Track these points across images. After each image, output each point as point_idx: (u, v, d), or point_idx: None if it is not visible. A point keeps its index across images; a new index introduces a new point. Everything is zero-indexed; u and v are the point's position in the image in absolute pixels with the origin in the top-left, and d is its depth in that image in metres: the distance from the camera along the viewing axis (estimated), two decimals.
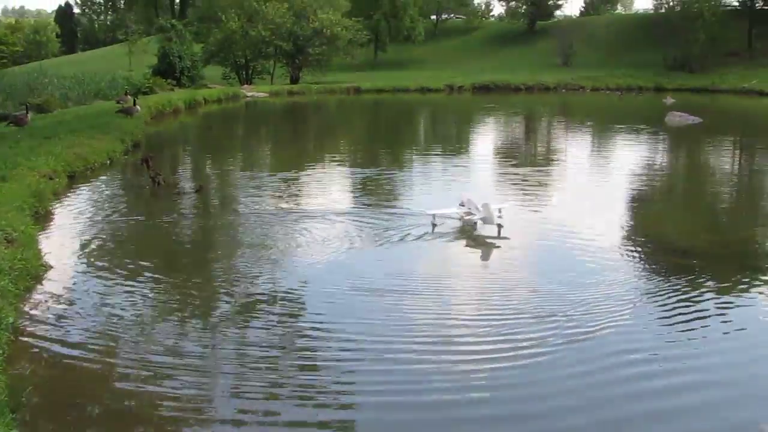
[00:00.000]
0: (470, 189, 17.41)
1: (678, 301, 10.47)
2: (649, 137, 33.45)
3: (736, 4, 75.17)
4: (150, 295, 10.94)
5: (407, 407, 7.70)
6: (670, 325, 9.71)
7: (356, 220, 15.76)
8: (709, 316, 9.97)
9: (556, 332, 9.33)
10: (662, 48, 69.47)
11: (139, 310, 10.24)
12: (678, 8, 73.01)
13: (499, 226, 14.68)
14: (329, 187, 20.55)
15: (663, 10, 76.71)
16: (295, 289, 11.22)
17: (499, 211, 14.99)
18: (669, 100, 47.92)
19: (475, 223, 14.65)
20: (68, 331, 9.44)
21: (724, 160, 27.47)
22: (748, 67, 64.84)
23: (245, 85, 61.51)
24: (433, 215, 15.34)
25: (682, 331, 9.53)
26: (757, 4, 73.44)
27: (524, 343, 9.04)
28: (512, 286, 11.37)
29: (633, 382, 8.13)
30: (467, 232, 14.69)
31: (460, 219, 15.16)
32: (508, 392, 8.01)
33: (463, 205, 15.09)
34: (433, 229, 15.03)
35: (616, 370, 8.41)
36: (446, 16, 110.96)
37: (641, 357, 8.69)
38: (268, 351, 8.86)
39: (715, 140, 32.10)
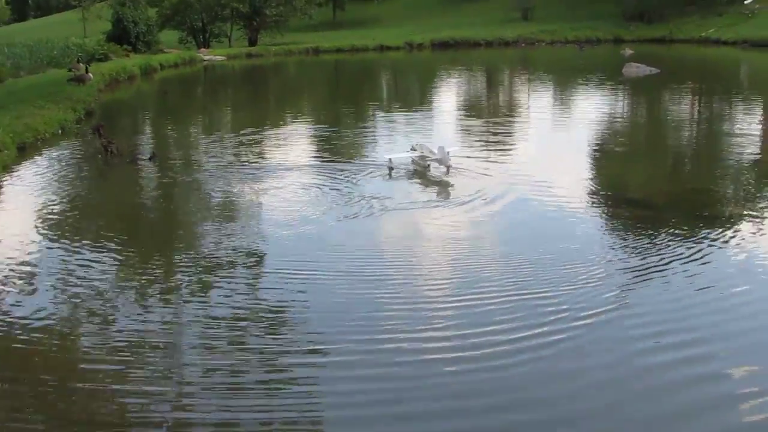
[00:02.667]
0: (430, 138, 17.74)
1: (647, 258, 10.27)
2: (607, 89, 33.50)
3: None
4: (110, 267, 10.64)
5: (373, 396, 7.09)
6: (644, 286, 9.42)
7: (320, 174, 15.97)
8: (677, 271, 9.81)
9: (536, 312, 8.57)
10: None
11: (98, 283, 9.94)
12: None
13: (449, 167, 15.43)
14: (291, 145, 20.68)
15: None
16: (260, 259, 10.93)
17: (448, 154, 15.63)
18: (627, 51, 47.91)
19: (428, 165, 15.55)
20: (24, 306, 9.19)
21: (681, 109, 27.56)
22: (705, 16, 64.91)
23: (202, 49, 60.63)
24: (389, 159, 16.19)
25: (658, 290, 9.33)
26: None
27: (498, 328, 8.23)
28: (483, 258, 10.59)
29: (642, 358, 7.64)
30: (431, 188, 14.83)
31: (413, 162, 15.97)
32: (491, 398, 7.05)
33: (414, 150, 15.98)
34: (390, 173, 15.79)
35: (619, 347, 7.87)
36: None
37: (643, 332, 8.17)
38: (233, 325, 8.56)
39: (672, 90, 32.18)
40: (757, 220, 12.21)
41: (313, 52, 61.23)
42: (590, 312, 8.56)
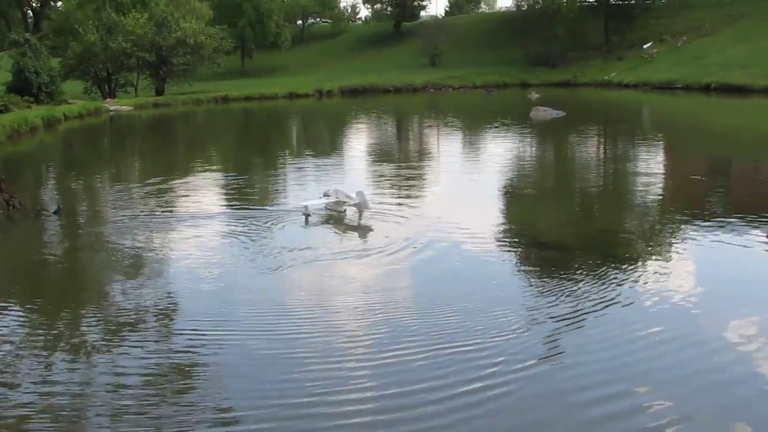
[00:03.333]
0: (342, 185, 17.66)
1: (571, 304, 10.12)
2: (515, 133, 34.11)
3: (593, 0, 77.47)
4: (11, 328, 9.97)
5: None
6: (574, 332, 9.19)
7: (234, 224, 15.65)
8: (602, 315, 9.72)
9: (467, 365, 8.18)
10: (525, 45, 71.23)
11: (1, 340, 9.33)
12: (538, 5, 74.75)
13: (363, 212, 15.47)
14: (202, 194, 20.26)
15: (524, 8, 78.32)
16: (171, 317, 10.38)
17: (367, 198, 15.55)
18: (534, 95, 49.11)
19: (345, 210, 15.60)
20: None
21: (586, 150, 28.19)
22: (607, 60, 67.23)
23: (108, 99, 59.60)
24: (305, 206, 15.99)
25: (567, 331, 9.23)
26: (611, 0, 75.84)
27: (427, 386, 7.77)
28: (406, 310, 10.16)
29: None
30: (348, 236, 14.70)
31: (328, 208, 15.91)
32: None
33: (328, 195, 15.91)
34: (306, 220, 15.60)
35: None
36: (312, 20, 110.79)
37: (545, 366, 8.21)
38: (142, 389, 8.03)
39: (577, 132, 32.97)
40: (666, 258, 12.47)
41: (221, 100, 60.87)
42: (525, 363, 8.24)
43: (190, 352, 9.08)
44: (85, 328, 10.03)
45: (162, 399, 7.81)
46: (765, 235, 13.48)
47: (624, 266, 11.78)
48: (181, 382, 8.25)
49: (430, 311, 10.06)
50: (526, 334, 9.09)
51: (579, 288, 10.80)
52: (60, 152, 34.96)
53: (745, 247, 12.84)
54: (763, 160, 24.21)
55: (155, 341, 9.45)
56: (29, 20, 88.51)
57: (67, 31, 64.81)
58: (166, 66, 67.75)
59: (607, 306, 10.02)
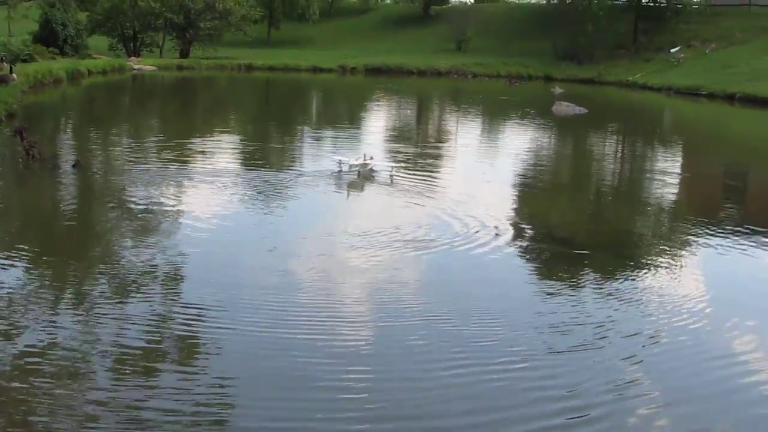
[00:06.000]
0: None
1: (640, 320, 9.25)
2: (536, 126, 34.00)
3: None
4: (23, 278, 10.04)
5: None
6: (654, 356, 8.27)
7: (244, 182, 16.50)
8: (594, 311, 9.39)
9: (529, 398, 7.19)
10: (552, 39, 70.81)
11: (9, 294, 9.32)
12: (568, 0, 74.28)
13: (392, 177, 17.22)
14: (217, 155, 20.72)
15: (555, 1, 77.89)
16: (176, 277, 10.37)
17: (391, 168, 17.74)
18: (557, 90, 48.83)
19: (371, 170, 17.38)
20: None
21: (606, 149, 28.13)
22: (633, 61, 66.66)
23: (132, 58, 59.67)
24: (339, 161, 17.78)
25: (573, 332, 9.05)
26: (642, 0, 75.25)
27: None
28: (441, 316, 9.15)
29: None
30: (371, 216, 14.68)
31: (350, 167, 17.43)
32: None
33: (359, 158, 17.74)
34: (339, 174, 17.27)
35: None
36: None
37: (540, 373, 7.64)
38: (146, 343, 8.10)
39: (599, 130, 32.88)
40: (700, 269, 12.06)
41: (245, 68, 60.88)
42: (601, 387, 7.36)
43: (190, 322, 8.79)
44: (91, 285, 9.95)
45: (159, 363, 7.70)
46: None
47: (621, 267, 11.58)
48: (179, 352, 8.08)
49: (465, 322, 9.01)
50: (600, 352, 8.26)
51: (568, 279, 10.70)
52: (82, 106, 35.09)
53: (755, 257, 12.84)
54: None
55: (158, 312, 9.11)
56: None
57: None
58: (192, 29, 67.76)
59: (684, 322, 9.25)
